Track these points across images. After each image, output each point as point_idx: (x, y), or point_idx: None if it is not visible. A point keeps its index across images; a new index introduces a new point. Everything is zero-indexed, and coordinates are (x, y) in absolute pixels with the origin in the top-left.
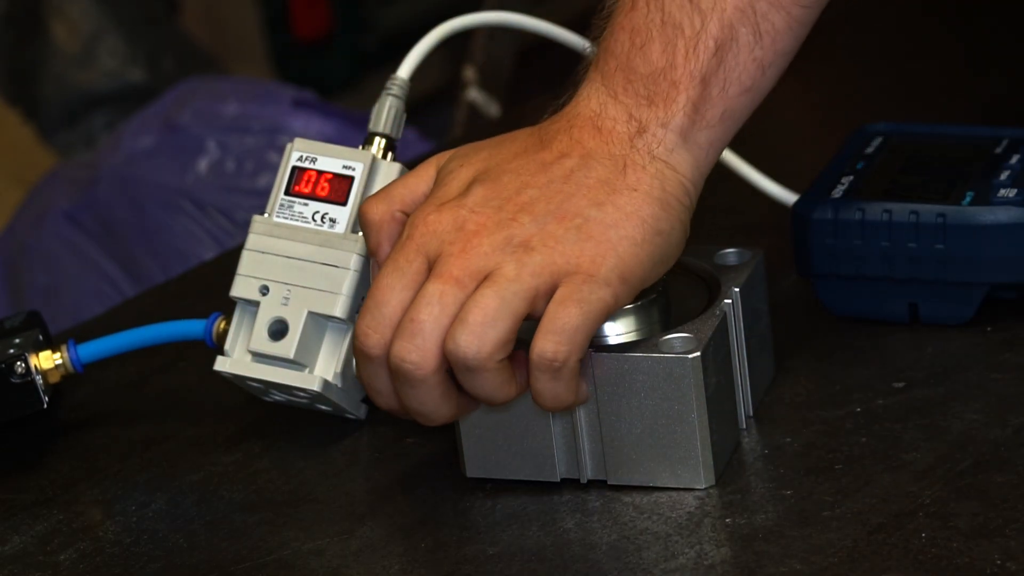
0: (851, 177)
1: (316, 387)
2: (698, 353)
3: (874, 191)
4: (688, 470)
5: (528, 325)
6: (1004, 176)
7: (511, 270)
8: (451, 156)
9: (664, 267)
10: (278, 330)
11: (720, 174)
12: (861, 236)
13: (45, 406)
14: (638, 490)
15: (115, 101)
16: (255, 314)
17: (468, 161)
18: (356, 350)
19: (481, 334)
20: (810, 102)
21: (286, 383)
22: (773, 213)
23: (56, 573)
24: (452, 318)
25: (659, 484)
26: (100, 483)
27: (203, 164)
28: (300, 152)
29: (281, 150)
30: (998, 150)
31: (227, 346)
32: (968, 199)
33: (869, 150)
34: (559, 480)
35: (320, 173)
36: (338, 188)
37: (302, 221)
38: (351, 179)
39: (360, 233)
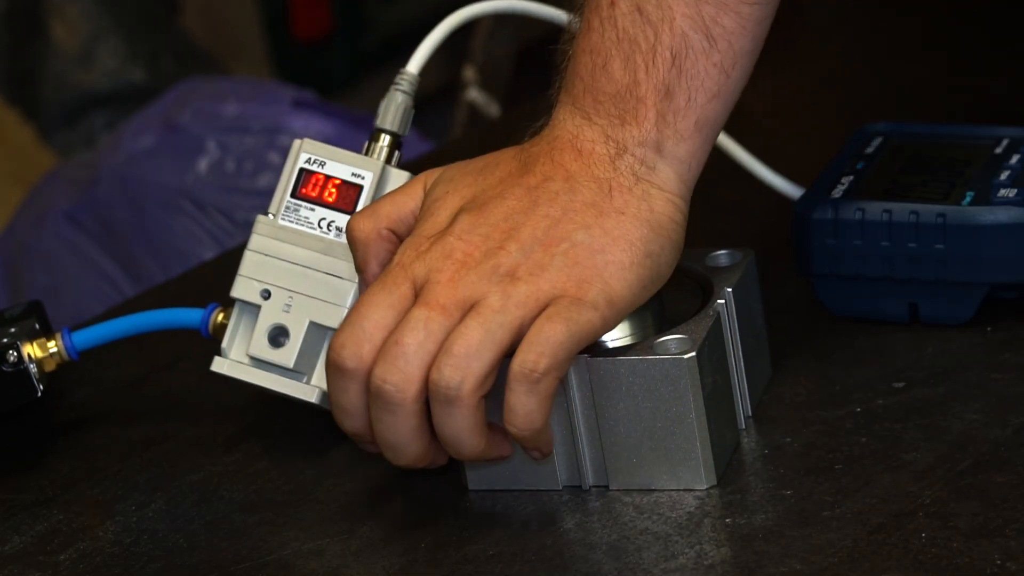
0: (851, 177)
1: (314, 399)
2: (693, 353)
3: (874, 191)
4: (689, 471)
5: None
6: (1004, 176)
7: (496, 301)
8: (437, 180)
9: (655, 287)
10: (278, 337)
11: (720, 174)
12: (861, 236)
13: (39, 395)
14: (638, 490)
15: (115, 101)
16: (254, 315)
17: (454, 187)
18: (329, 363)
19: (465, 366)
20: (810, 102)
21: (283, 392)
22: (772, 213)
23: (56, 573)
24: (437, 345)
25: (660, 487)
26: (100, 483)
27: (203, 164)
28: (308, 154)
29: (281, 150)
30: (998, 150)
31: (224, 344)
32: (968, 199)
33: (869, 150)
34: (560, 488)
35: (328, 178)
36: (346, 196)
37: (307, 226)
38: (360, 187)
39: None
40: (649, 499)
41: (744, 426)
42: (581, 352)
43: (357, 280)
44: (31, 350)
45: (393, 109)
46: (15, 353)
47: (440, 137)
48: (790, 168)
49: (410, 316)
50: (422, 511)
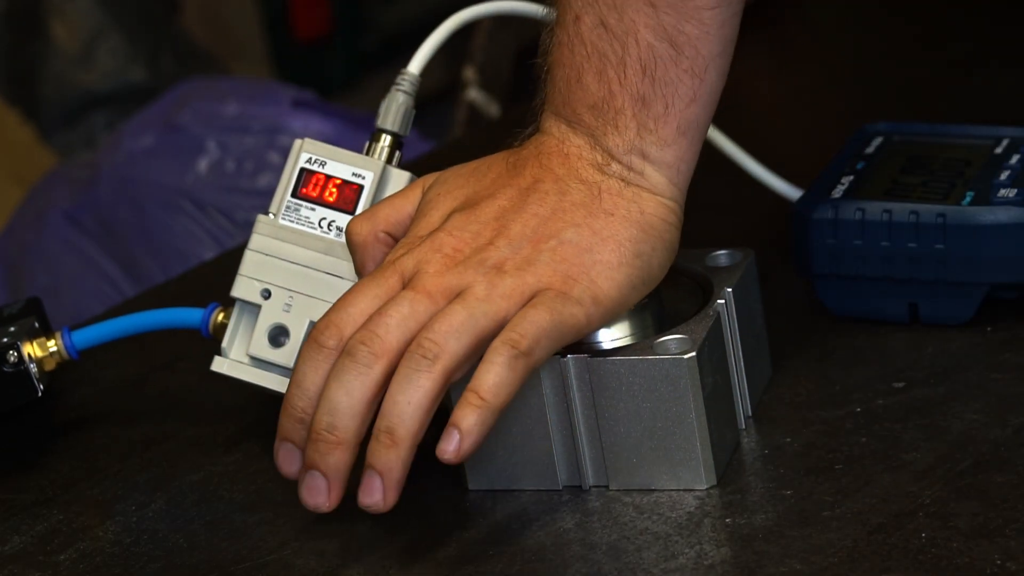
0: (851, 177)
1: None
2: (693, 353)
3: (874, 191)
4: (689, 471)
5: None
6: (1004, 176)
7: (482, 290)
8: (432, 183)
9: (647, 288)
10: (278, 336)
11: (720, 174)
12: (861, 236)
13: (40, 395)
14: (638, 490)
15: (115, 101)
16: (254, 315)
17: (447, 189)
18: (308, 344)
19: (443, 342)
20: (810, 102)
21: (283, 391)
22: (772, 213)
23: (56, 573)
24: (418, 323)
25: (660, 487)
26: (100, 483)
27: (203, 164)
28: (309, 154)
29: (281, 150)
30: (998, 150)
31: (224, 344)
32: (968, 199)
33: (869, 150)
34: (561, 488)
35: (329, 178)
36: (347, 196)
37: (308, 226)
38: (360, 187)
39: None
40: (649, 499)
41: (744, 426)
42: (581, 352)
43: (356, 278)
44: (31, 349)
45: (394, 109)
46: (15, 353)
47: (440, 137)
48: (790, 168)
49: (397, 296)
50: (422, 511)
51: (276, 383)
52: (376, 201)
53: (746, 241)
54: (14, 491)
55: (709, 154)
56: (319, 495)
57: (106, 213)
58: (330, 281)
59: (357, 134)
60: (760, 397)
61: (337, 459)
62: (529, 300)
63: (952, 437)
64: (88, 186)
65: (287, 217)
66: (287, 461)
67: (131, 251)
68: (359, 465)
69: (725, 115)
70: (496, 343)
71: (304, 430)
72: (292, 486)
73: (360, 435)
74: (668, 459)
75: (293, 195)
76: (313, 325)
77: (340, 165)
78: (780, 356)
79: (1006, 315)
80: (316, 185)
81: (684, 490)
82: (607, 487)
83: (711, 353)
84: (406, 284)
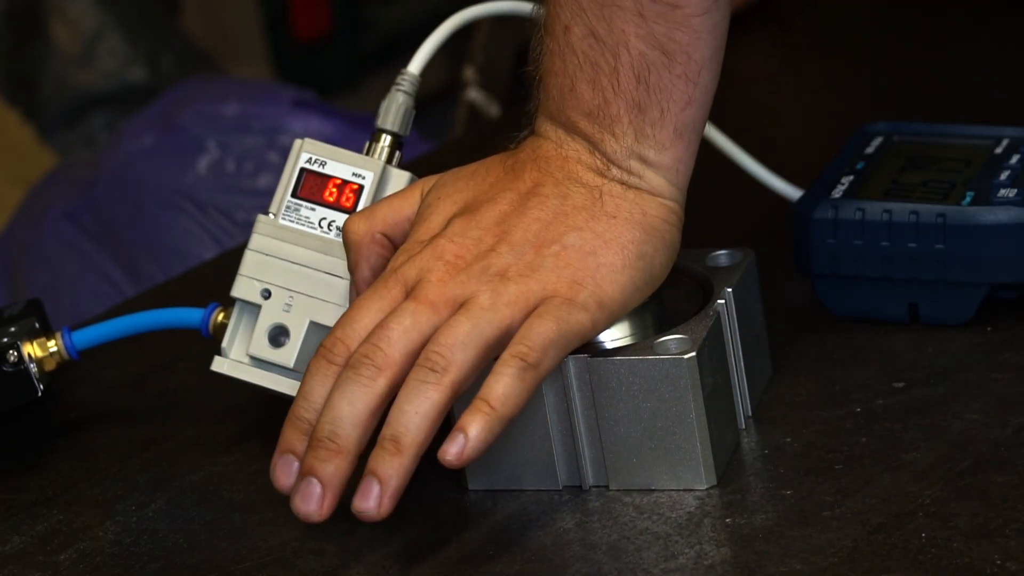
0: (851, 177)
1: None
2: (693, 353)
3: (874, 191)
4: (689, 471)
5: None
6: (1004, 176)
7: (486, 299)
8: (432, 186)
9: (649, 289)
10: (278, 336)
11: (720, 174)
12: (861, 236)
13: (40, 395)
14: (638, 490)
15: (115, 101)
16: (254, 315)
17: (446, 193)
18: (316, 358)
19: (450, 355)
20: (810, 102)
21: (283, 391)
22: (772, 213)
23: (56, 573)
24: (421, 334)
25: (660, 487)
26: (100, 483)
27: (203, 164)
28: (309, 154)
29: (281, 150)
30: (998, 150)
31: (224, 344)
32: (968, 199)
33: (869, 150)
34: (561, 488)
35: (329, 178)
36: (347, 196)
37: (308, 226)
38: (360, 187)
39: None
40: (649, 499)
41: (744, 426)
42: (580, 352)
43: (351, 276)
44: (31, 349)
45: (394, 109)
46: (15, 353)
47: (440, 137)
48: (790, 168)
49: (400, 307)
50: (422, 511)
51: (276, 383)
52: (376, 201)
53: (746, 241)
54: (14, 491)
55: (709, 154)
56: (312, 502)
57: (106, 213)
58: (330, 281)
59: (357, 134)
60: (760, 397)
61: (335, 467)
62: (534, 306)
63: (952, 437)
64: (88, 186)
65: (287, 217)
66: (284, 473)
67: (131, 251)
68: (357, 477)
69: (725, 115)
70: (505, 356)
71: (307, 443)
72: None
73: (360, 446)
74: (668, 459)
75: (293, 195)
76: (313, 325)
77: (340, 165)
78: (780, 356)
79: (1006, 315)
80: (316, 185)
81: (684, 490)
82: (607, 487)
83: (711, 353)
84: (409, 293)
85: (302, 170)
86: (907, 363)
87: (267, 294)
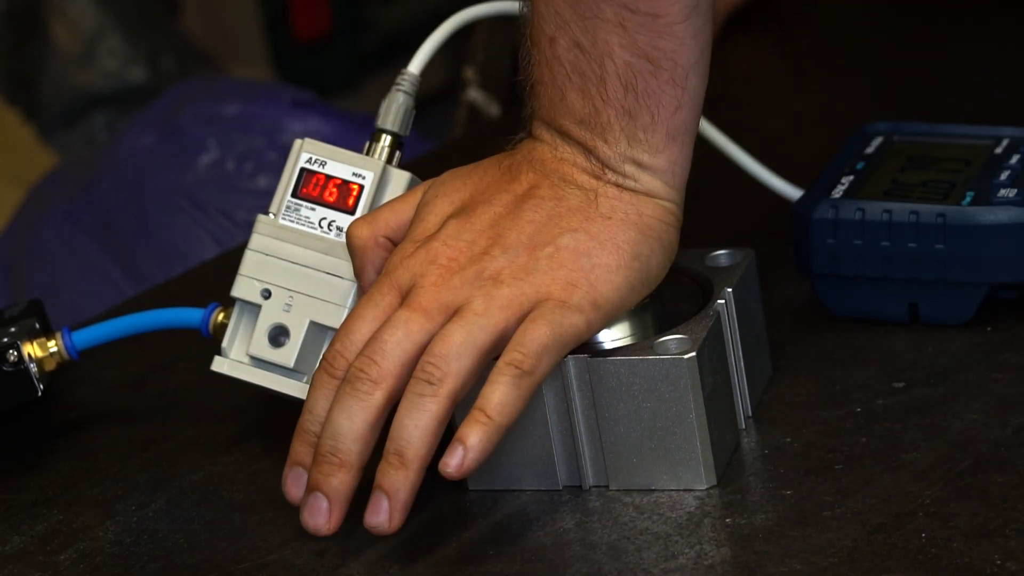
0: (851, 177)
1: None
2: (693, 353)
3: (874, 191)
4: (689, 471)
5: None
6: (1004, 176)
7: (479, 305)
8: (429, 186)
9: (646, 289)
10: (278, 336)
11: (720, 174)
12: (861, 236)
13: (40, 394)
14: (638, 490)
15: (115, 101)
16: (255, 315)
17: (444, 192)
18: (319, 372)
19: (445, 365)
20: (810, 102)
21: (283, 391)
22: (772, 213)
23: (56, 573)
24: (415, 344)
25: (660, 487)
26: (100, 483)
27: (203, 164)
28: (309, 154)
29: (281, 150)
30: (998, 150)
31: (224, 344)
32: (968, 199)
33: (869, 150)
34: (561, 488)
35: (329, 178)
36: (347, 196)
37: (308, 226)
38: (361, 187)
39: None
40: (649, 499)
41: (744, 426)
42: (581, 352)
43: (357, 281)
44: (31, 349)
45: (394, 109)
46: (15, 352)
47: (440, 137)
48: (790, 168)
49: (392, 317)
50: (422, 511)
51: (276, 383)
52: (376, 201)
53: (746, 241)
54: (14, 491)
55: (709, 154)
56: (320, 516)
57: (106, 213)
58: (330, 281)
59: (357, 134)
60: (760, 397)
61: (339, 481)
62: (528, 309)
63: (952, 437)
64: (88, 186)
65: (287, 217)
66: (295, 485)
67: (131, 251)
68: (366, 492)
69: (725, 115)
70: (500, 364)
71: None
72: None
73: (363, 458)
74: (668, 459)
75: (293, 195)
76: (313, 325)
77: (340, 165)
78: (780, 356)
79: (1006, 315)
80: (316, 185)
81: (684, 490)
82: (607, 487)
83: (711, 353)
84: (403, 298)
85: (302, 170)
86: (907, 363)
87: (267, 294)
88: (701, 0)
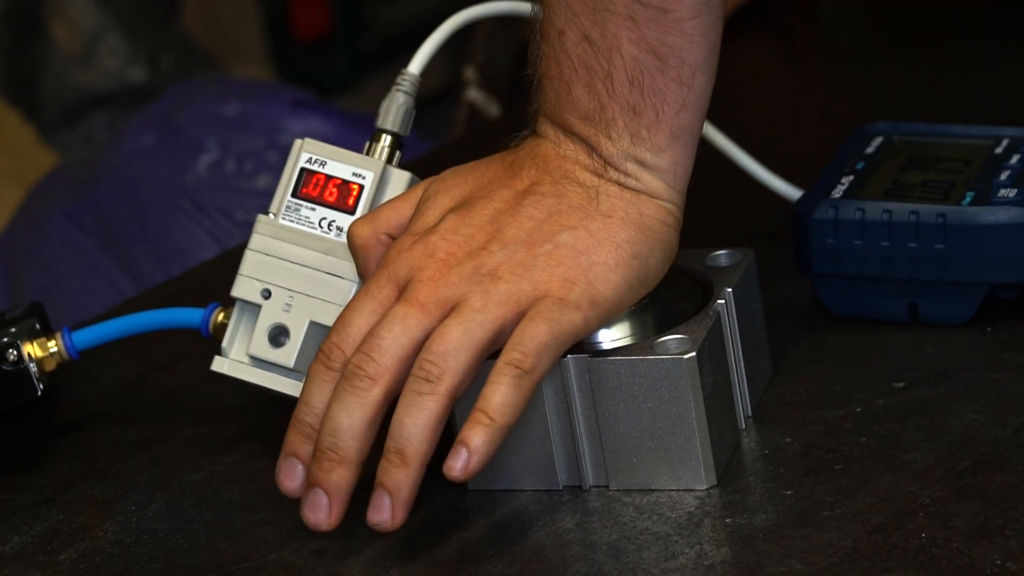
0: (851, 177)
1: None
2: (693, 353)
3: (874, 191)
4: (689, 471)
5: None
6: (1004, 176)
7: (477, 301)
8: (431, 183)
9: (644, 289)
10: (278, 336)
11: (720, 174)
12: (861, 236)
13: (39, 394)
14: (638, 490)
15: (115, 101)
16: (255, 315)
17: (445, 188)
18: (315, 363)
19: (443, 363)
20: (810, 102)
21: (283, 391)
22: (772, 213)
23: (56, 573)
24: (412, 340)
25: (660, 487)
26: (100, 483)
27: (203, 164)
28: (309, 154)
29: (281, 150)
30: (998, 150)
31: (224, 343)
32: (968, 199)
33: (869, 150)
34: (561, 488)
35: (329, 178)
36: (347, 196)
37: (308, 226)
38: (361, 187)
39: None
40: (649, 499)
41: (744, 426)
42: (580, 352)
43: (358, 280)
44: (31, 349)
45: (395, 109)
46: (15, 352)
47: (440, 137)
48: (790, 168)
49: (389, 312)
50: (422, 511)
51: (276, 383)
52: (376, 201)
53: (746, 241)
54: (14, 491)
55: (709, 154)
56: (320, 512)
57: (106, 213)
58: (330, 281)
59: (357, 134)
60: (760, 397)
61: (339, 477)
62: (526, 306)
63: (952, 437)
64: (88, 186)
65: (287, 217)
66: (288, 477)
67: (131, 251)
68: (366, 489)
69: (725, 115)
70: (500, 364)
71: (310, 446)
72: None
73: (362, 454)
74: (668, 459)
75: (293, 195)
76: (313, 325)
77: (340, 165)
78: (780, 356)
79: (1006, 315)
80: (316, 185)
81: (684, 490)
82: (607, 487)
83: (711, 353)
84: (400, 292)
85: (302, 170)
86: (907, 363)
87: (267, 294)
88: None
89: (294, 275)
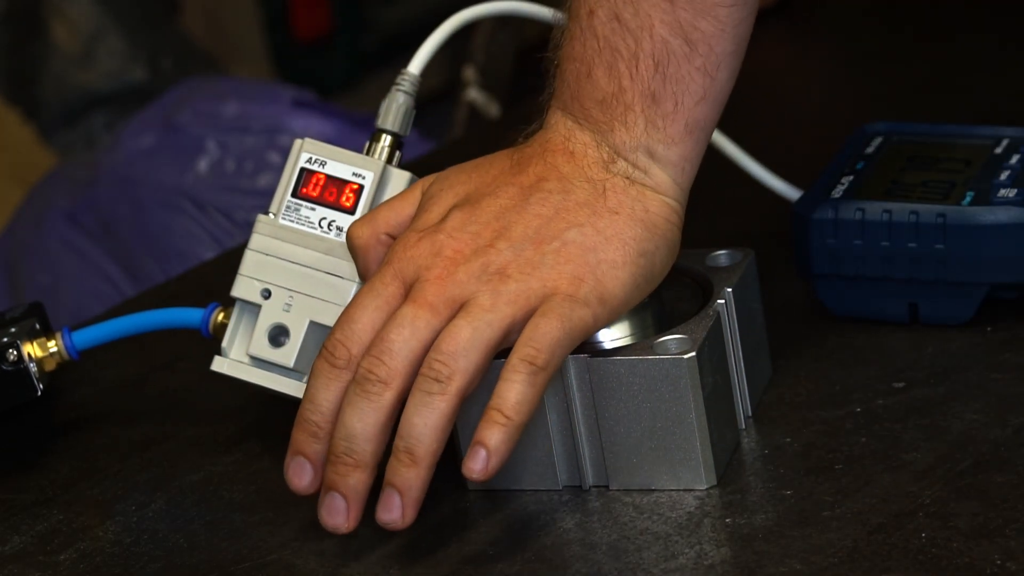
0: (851, 177)
1: None
2: (693, 353)
3: (874, 191)
4: (689, 471)
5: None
6: (1004, 176)
7: (486, 300)
8: (434, 179)
9: (649, 287)
10: (278, 336)
11: (720, 174)
12: (861, 236)
13: (39, 394)
14: (638, 490)
15: (115, 101)
16: (254, 315)
17: (449, 184)
18: (320, 361)
19: (453, 363)
20: (810, 102)
21: (282, 391)
22: (772, 213)
23: (56, 573)
24: (422, 342)
25: (660, 487)
26: (100, 483)
27: (203, 164)
28: (309, 153)
29: (281, 150)
30: (998, 150)
31: (224, 343)
32: (968, 199)
33: (869, 150)
34: (561, 488)
35: (329, 178)
36: (347, 195)
37: (308, 226)
38: (361, 187)
39: None
40: (649, 499)
41: (744, 426)
42: (579, 352)
43: (358, 280)
44: (31, 349)
45: (394, 109)
46: (15, 352)
47: (440, 137)
48: (790, 168)
49: (397, 314)
50: (422, 511)
51: (276, 383)
52: (376, 201)
53: (746, 241)
54: (14, 491)
55: (710, 154)
56: (339, 515)
57: (106, 213)
58: (330, 281)
59: (357, 134)
60: (760, 397)
61: (356, 480)
62: (535, 304)
63: (952, 437)
64: (88, 186)
65: (287, 217)
66: (297, 475)
67: (131, 251)
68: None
69: (725, 114)
70: (514, 360)
71: (317, 444)
72: None
73: (377, 457)
74: (668, 459)
75: (293, 195)
76: (313, 324)
77: (340, 165)
78: (780, 356)
79: (1006, 315)
80: (316, 185)
81: (684, 490)
82: (607, 487)
83: (711, 353)
84: (407, 290)
85: (302, 170)
86: (907, 363)
87: (267, 294)
88: None
89: (294, 275)
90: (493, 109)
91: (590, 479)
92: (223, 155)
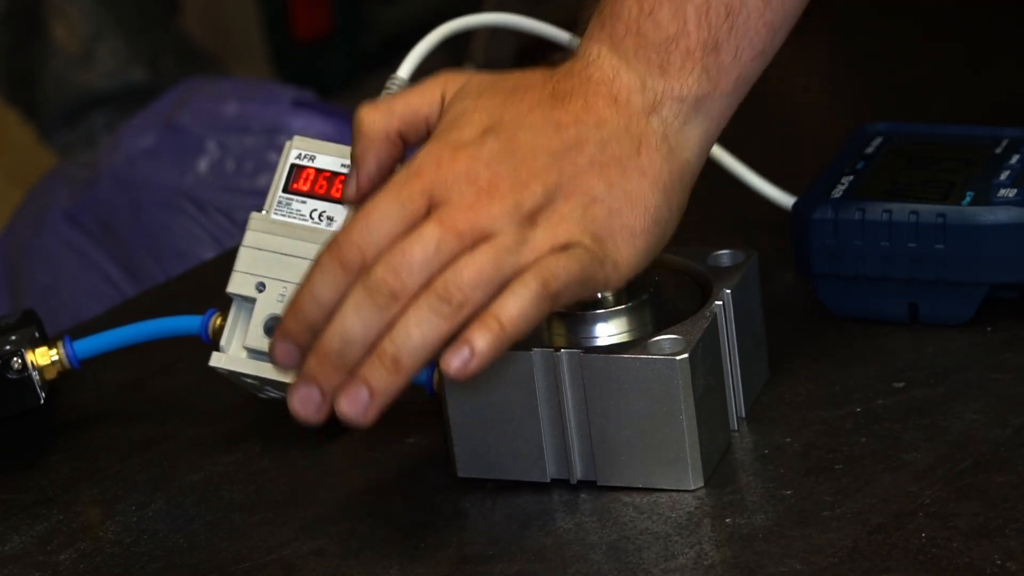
0: (851, 177)
1: None
2: (686, 355)
3: (874, 191)
4: (677, 471)
5: None
6: (1004, 176)
7: (511, 239)
8: (462, 91)
9: (655, 254)
10: (274, 327)
11: (721, 174)
12: (861, 236)
13: (42, 402)
14: (638, 490)
15: (115, 101)
16: (251, 311)
17: (482, 104)
18: (329, 255)
19: (470, 293)
20: (810, 102)
21: (280, 379)
22: (772, 213)
23: (56, 573)
24: (442, 265)
25: (648, 485)
26: (100, 483)
27: (203, 164)
28: (299, 150)
29: (281, 150)
30: (998, 150)
31: (223, 342)
32: (968, 199)
33: (869, 150)
34: (548, 481)
35: (319, 171)
36: (336, 187)
37: (300, 219)
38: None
39: None
40: (649, 499)
41: (736, 428)
42: (574, 347)
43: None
44: (34, 358)
45: None
46: (19, 361)
47: None
48: (790, 168)
49: (423, 230)
50: (422, 511)
51: (274, 373)
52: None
53: (746, 241)
54: (14, 491)
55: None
56: (311, 407)
57: (106, 213)
58: None
59: None
60: (755, 399)
61: (339, 379)
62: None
63: (952, 437)
64: (88, 186)
65: (279, 212)
66: (286, 356)
67: (131, 251)
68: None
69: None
70: (528, 276)
71: (309, 335)
72: (292, 486)
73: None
74: (656, 458)
75: (284, 191)
76: None
77: (328, 157)
78: (780, 356)
79: (1006, 315)
80: (306, 179)
81: (684, 490)
82: (595, 482)
83: (705, 355)
84: (431, 207)
85: (292, 166)
86: (907, 363)
87: (261, 287)
88: None
89: (288, 266)
90: None
91: (579, 473)
92: (223, 155)
